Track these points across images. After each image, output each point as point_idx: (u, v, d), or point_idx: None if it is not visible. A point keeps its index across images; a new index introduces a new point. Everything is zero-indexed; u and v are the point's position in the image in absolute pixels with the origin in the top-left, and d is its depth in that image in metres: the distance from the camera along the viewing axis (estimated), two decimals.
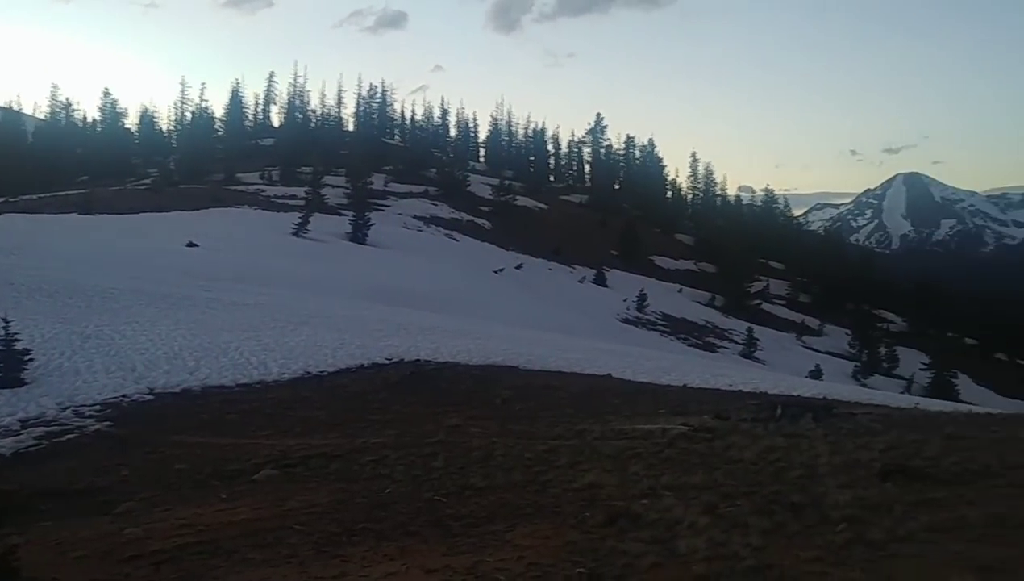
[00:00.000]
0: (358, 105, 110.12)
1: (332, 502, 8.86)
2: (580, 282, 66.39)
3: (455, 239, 66.73)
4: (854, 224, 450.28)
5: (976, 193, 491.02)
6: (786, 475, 8.94)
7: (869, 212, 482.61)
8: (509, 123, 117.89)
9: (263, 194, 69.84)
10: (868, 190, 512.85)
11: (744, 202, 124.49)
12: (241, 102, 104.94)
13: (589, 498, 8.35)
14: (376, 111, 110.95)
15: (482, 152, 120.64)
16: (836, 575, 5.66)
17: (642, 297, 61.47)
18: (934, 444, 10.13)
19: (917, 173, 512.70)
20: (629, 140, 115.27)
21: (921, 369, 62.57)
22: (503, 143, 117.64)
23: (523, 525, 7.62)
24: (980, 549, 5.96)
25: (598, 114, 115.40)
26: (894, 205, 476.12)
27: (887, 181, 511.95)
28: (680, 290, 73.33)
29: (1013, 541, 6.10)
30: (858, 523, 6.82)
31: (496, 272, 58.00)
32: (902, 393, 48.39)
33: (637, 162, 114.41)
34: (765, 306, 75.92)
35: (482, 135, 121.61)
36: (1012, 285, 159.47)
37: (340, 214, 60.85)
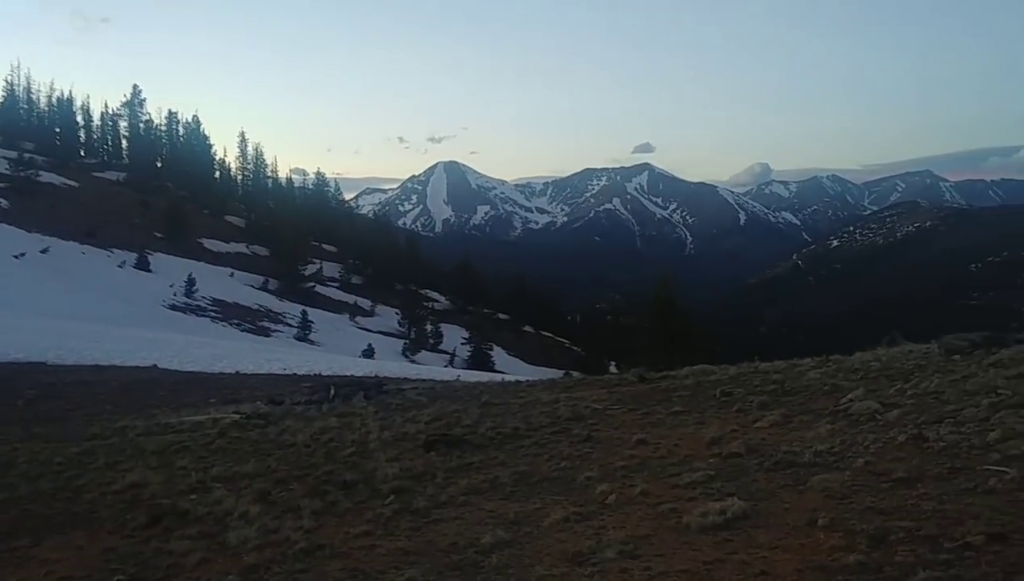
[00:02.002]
0: None
1: None
2: (120, 267, 61.33)
3: None
4: (401, 208, 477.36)
5: (506, 182, 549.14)
6: (339, 454, 9.22)
7: (415, 197, 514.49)
8: (28, 90, 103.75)
9: None
10: (413, 176, 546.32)
11: (296, 185, 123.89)
12: None
13: (131, 499, 7.89)
14: None
15: None
16: (384, 546, 5.91)
17: (191, 282, 58.73)
18: (472, 412, 11.09)
19: (456, 162, 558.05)
20: (171, 115, 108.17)
21: (462, 343, 68.30)
22: (21, 112, 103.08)
23: (53, 537, 6.99)
24: (510, 505, 6.63)
25: (135, 85, 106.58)
26: (437, 191, 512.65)
27: (430, 168, 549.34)
28: (232, 274, 71.36)
29: (535, 495, 6.89)
30: (405, 493, 7.23)
31: (16, 257, 51.23)
32: (446, 366, 52.51)
33: (181, 139, 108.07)
34: (319, 288, 76.97)
35: None
36: (535, 264, 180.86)
37: None
